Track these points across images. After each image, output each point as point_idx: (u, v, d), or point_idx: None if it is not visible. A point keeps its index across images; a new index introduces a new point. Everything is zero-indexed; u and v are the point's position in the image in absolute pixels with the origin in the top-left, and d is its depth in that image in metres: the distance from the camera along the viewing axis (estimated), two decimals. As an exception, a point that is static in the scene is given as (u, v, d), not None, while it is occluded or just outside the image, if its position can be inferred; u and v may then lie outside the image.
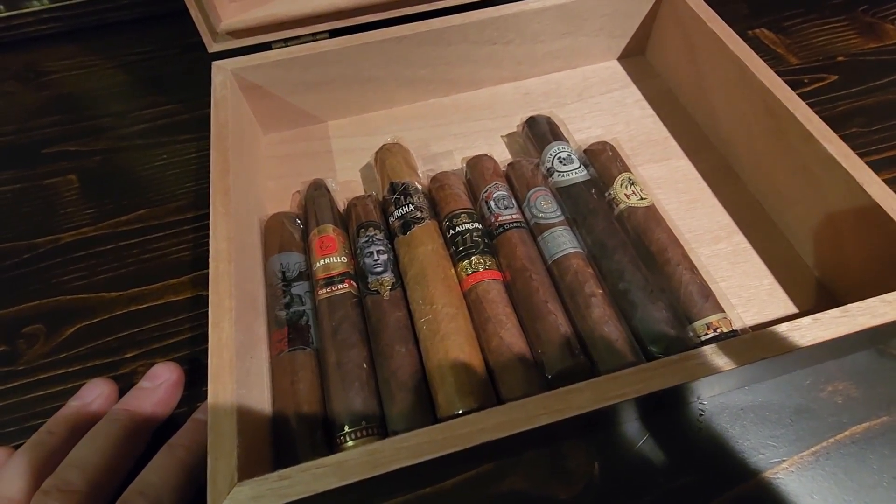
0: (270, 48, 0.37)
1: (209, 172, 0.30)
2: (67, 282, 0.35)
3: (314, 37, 0.37)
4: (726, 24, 0.36)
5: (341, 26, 0.37)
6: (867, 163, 0.36)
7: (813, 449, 0.27)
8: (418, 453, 0.20)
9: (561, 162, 0.34)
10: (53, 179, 0.40)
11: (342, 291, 0.29)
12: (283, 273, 0.30)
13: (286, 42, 0.37)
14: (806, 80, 0.42)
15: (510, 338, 0.27)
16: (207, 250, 0.27)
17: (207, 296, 0.33)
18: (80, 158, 0.42)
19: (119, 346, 0.32)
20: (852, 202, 0.28)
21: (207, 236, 0.35)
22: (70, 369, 0.31)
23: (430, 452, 0.20)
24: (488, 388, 0.26)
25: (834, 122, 0.39)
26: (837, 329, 0.23)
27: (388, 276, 0.30)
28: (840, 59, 0.44)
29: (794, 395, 0.28)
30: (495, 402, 0.26)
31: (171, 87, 0.46)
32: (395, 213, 0.32)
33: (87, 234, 0.37)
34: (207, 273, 0.34)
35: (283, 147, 0.40)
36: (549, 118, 0.37)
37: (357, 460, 0.20)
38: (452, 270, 0.30)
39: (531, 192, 0.33)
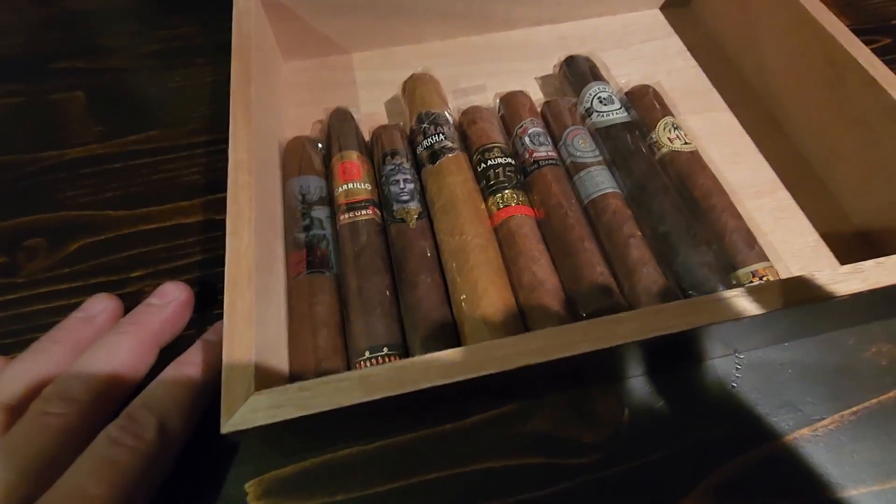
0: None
1: (226, 98, 0.28)
2: (72, 198, 0.33)
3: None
4: (786, -32, 0.33)
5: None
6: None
7: (854, 409, 0.25)
8: (449, 373, 0.19)
9: (601, 102, 0.32)
10: (60, 95, 0.38)
11: (365, 218, 0.28)
12: (303, 196, 0.29)
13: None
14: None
15: (543, 273, 0.26)
16: (221, 175, 0.25)
17: (218, 220, 0.32)
18: (89, 75, 0.39)
19: (125, 264, 0.30)
20: (917, 153, 0.26)
21: (221, 161, 0.34)
22: (73, 285, 0.30)
23: (463, 373, 0.19)
24: (518, 323, 0.25)
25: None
26: (880, 279, 0.21)
27: (414, 205, 0.28)
28: (894, 22, 0.41)
29: (835, 354, 0.27)
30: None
31: (187, 10, 0.44)
32: (424, 143, 0.30)
33: (94, 152, 0.35)
34: (220, 198, 0.32)
35: (304, 75, 0.38)
36: (588, 58, 0.35)
37: (383, 376, 0.19)
38: (483, 204, 0.29)
39: (568, 130, 0.31)
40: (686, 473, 0.24)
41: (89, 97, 0.38)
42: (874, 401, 0.26)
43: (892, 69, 0.39)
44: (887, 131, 0.27)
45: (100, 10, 0.45)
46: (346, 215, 0.28)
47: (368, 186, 0.29)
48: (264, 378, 0.20)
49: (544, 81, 0.37)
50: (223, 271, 0.29)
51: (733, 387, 0.26)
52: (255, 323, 0.21)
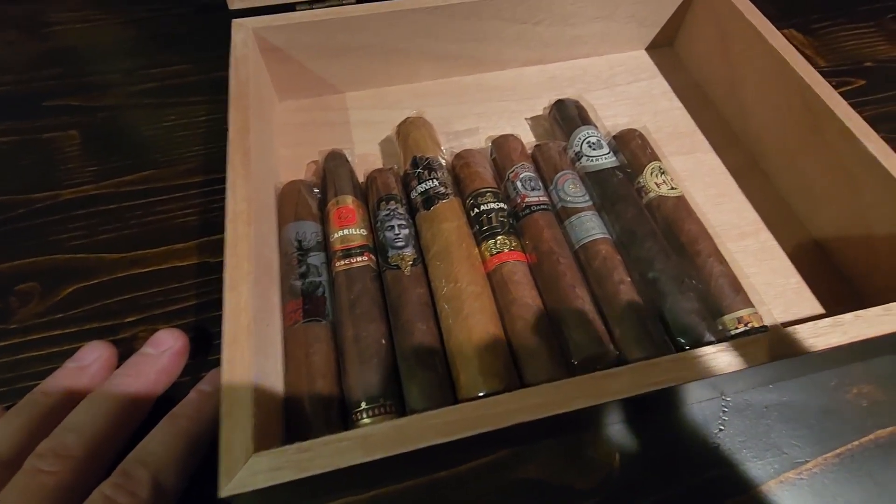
0: (294, 9, 0.35)
1: (220, 136, 0.28)
2: (66, 240, 0.33)
3: (341, 1, 0.35)
4: (763, 16, 0.35)
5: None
6: (894, 168, 0.36)
7: (838, 451, 0.26)
8: (448, 431, 0.19)
9: (590, 146, 0.33)
10: (54, 133, 0.38)
11: (361, 264, 0.28)
12: (300, 242, 0.29)
13: (311, 4, 0.35)
14: (833, 84, 0.41)
15: (535, 322, 0.26)
16: (216, 216, 0.25)
17: (213, 263, 0.32)
18: (83, 114, 0.39)
19: (119, 309, 0.30)
20: (891, 201, 0.27)
21: (215, 202, 0.35)
22: (66, 331, 0.29)
23: (461, 431, 0.19)
24: (512, 371, 0.25)
25: (862, 126, 0.38)
26: (881, 326, 0.22)
27: (409, 252, 0.29)
28: (868, 64, 0.43)
29: (819, 396, 0.28)
30: (519, 385, 0.25)
31: (182, 47, 0.44)
32: (418, 188, 0.31)
33: (87, 192, 0.35)
34: (214, 240, 0.33)
35: (299, 115, 0.39)
36: (577, 102, 0.36)
37: (383, 436, 0.19)
38: (476, 250, 0.29)
39: (559, 175, 0.32)
40: (677, 519, 0.24)
41: (83, 136, 0.38)
42: (856, 443, 0.26)
43: (866, 111, 0.40)
44: (864, 179, 0.29)
45: (92, 46, 0.45)
46: (342, 262, 0.28)
47: (364, 231, 0.29)
48: (263, 434, 0.20)
49: (535, 122, 0.38)
50: (219, 315, 0.29)
51: (720, 429, 0.27)
52: (254, 378, 0.21)
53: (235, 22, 0.34)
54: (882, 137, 0.38)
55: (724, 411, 0.27)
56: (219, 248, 0.32)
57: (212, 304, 0.30)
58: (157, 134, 0.39)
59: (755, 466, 0.26)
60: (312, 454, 0.19)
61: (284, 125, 0.38)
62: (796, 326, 0.22)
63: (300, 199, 0.31)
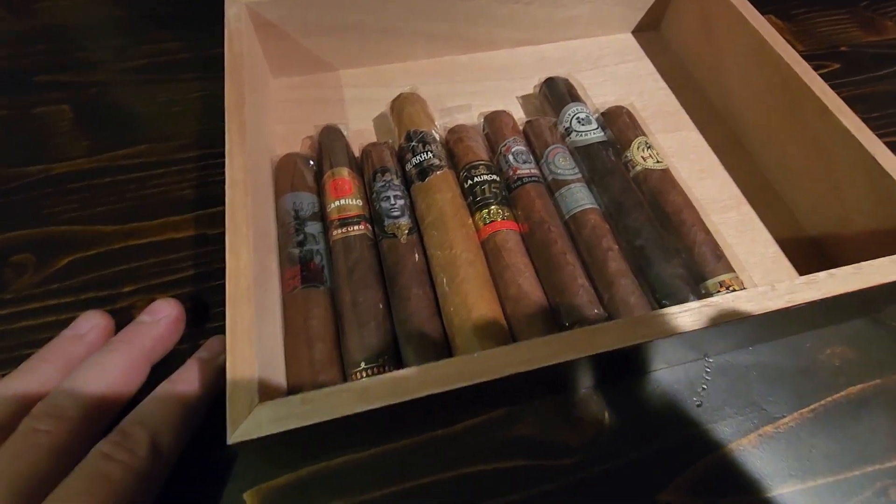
0: (288, -15, 0.35)
1: (214, 113, 0.29)
2: (60, 213, 0.33)
3: (334, -22, 0.36)
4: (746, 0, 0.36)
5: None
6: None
7: (812, 406, 0.28)
8: (444, 382, 0.20)
9: (579, 122, 0.34)
10: (45, 108, 0.38)
11: (358, 233, 0.29)
12: (296, 212, 0.29)
13: (305, -20, 0.35)
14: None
15: (528, 286, 0.27)
16: (212, 190, 0.26)
17: (211, 235, 0.32)
18: (75, 89, 0.39)
19: (116, 279, 0.30)
20: (864, 174, 0.29)
21: (211, 176, 0.35)
22: (62, 300, 0.30)
23: (456, 382, 0.20)
24: (505, 333, 0.26)
25: (837, 107, 0.40)
26: (851, 283, 0.23)
27: (405, 221, 0.29)
28: (843, 48, 0.45)
29: (795, 357, 0.29)
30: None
31: (173, 26, 0.44)
32: (413, 161, 0.32)
33: (81, 167, 0.35)
34: (211, 213, 0.33)
35: (293, 92, 0.39)
36: (567, 80, 0.37)
37: (382, 386, 0.20)
38: (470, 220, 0.30)
39: (549, 149, 0.33)
40: (662, 471, 0.26)
41: (75, 111, 0.38)
42: (829, 399, 0.28)
43: (841, 93, 0.42)
44: (838, 153, 0.30)
45: (82, 23, 0.45)
46: (339, 231, 0.29)
47: (360, 202, 0.30)
48: (266, 391, 0.21)
49: (525, 100, 0.39)
50: (215, 286, 0.30)
51: (704, 388, 0.28)
52: (255, 338, 0.21)
53: (229, -2, 0.34)
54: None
55: (707, 372, 0.29)
56: (216, 220, 0.32)
57: (209, 275, 0.31)
58: (151, 110, 0.39)
59: (736, 422, 0.27)
60: (314, 405, 0.20)
61: (279, 102, 0.38)
62: (775, 283, 0.23)
63: (296, 171, 0.31)
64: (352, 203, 0.30)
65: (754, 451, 0.26)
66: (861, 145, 0.28)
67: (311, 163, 0.32)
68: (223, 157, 0.26)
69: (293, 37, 0.37)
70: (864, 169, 0.29)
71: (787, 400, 0.28)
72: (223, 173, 0.26)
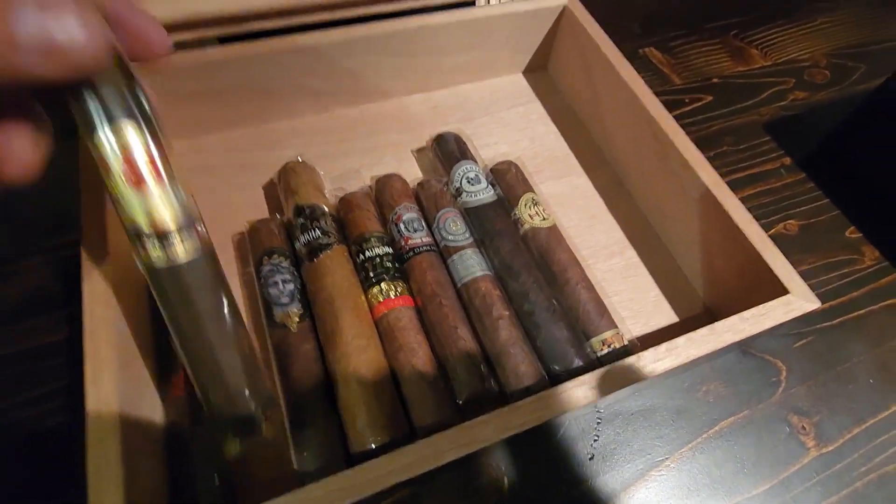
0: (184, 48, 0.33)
1: (75, 185, 0.27)
2: None
3: (201, 43, 0.34)
4: (618, 50, 0.38)
5: (231, 33, 0.34)
6: (735, 179, 0.41)
7: (690, 444, 0.30)
8: (328, 502, 0.20)
9: (469, 182, 0.34)
10: None
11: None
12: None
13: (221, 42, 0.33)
14: (686, 101, 0.46)
15: (422, 366, 0.28)
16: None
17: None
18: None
19: (-22, 398, 0.28)
20: (720, 225, 0.31)
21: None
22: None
23: (340, 500, 0.20)
24: (400, 418, 0.26)
25: (709, 141, 0.44)
26: (706, 346, 0.26)
27: (295, 308, 0.29)
28: (715, 80, 0.48)
29: (675, 397, 0.32)
30: (408, 430, 0.26)
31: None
32: (301, 239, 0.31)
33: (-72, 266, 0.32)
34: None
35: (174, 160, 0.37)
36: (457, 136, 0.38)
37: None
38: (363, 297, 0.30)
39: (440, 213, 0.33)
40: (559, 530, 0.27)
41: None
42: (704, 436, 0.31)
43: (714, 126, 0.45)
44: (701, 202, 0.32)
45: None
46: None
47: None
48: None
49: (420, 155, 0.39)
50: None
51: (595, 439, 0.30)
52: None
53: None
54: (726, 150, 0.43)
55: (598, 422, 0.30)
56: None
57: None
58: None
59: (625, 470, 0.29)
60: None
61: (158, 172, 0.36)
62: (640, 354, 0.25)
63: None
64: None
65: (641, 496, 0.28)
66: (718, 202, 0.31)
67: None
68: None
69: (164, 103, 0.35)
70: (719, 220, 0.31)
71: (668, 441, 0.30)
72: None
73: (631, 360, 0.25)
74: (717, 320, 0.27)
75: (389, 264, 0.31)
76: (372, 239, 0.31)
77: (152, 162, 0.18)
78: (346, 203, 0.33)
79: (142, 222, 0.19)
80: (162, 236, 0.19)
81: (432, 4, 0.38)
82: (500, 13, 0.39)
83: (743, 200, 0.40)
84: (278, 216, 0.33)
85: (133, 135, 0.18)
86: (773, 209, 0.40)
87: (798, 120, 0.46)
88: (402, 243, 0.32)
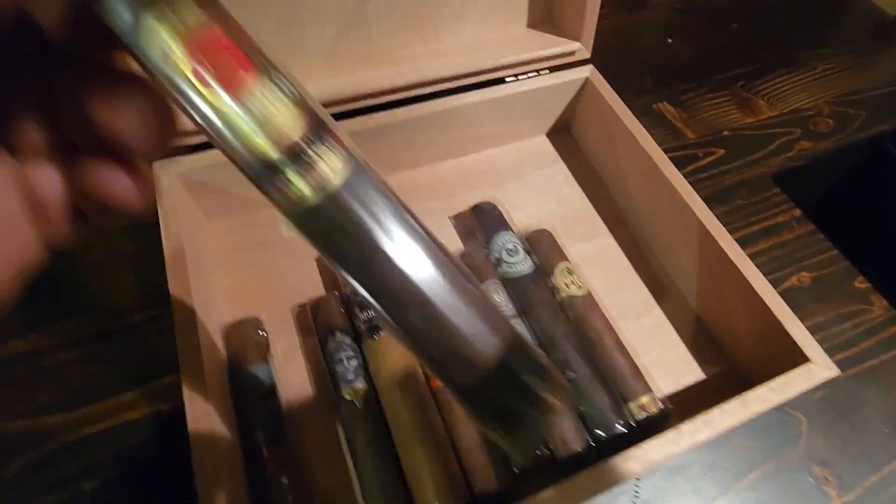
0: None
1: (154, 268, 0.30)
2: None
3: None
4: (637, 121, 0.41)
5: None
6: (749, 233, 0.44)
7: (723, 497, 0.33)
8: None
9: (508, 253, 0.37)
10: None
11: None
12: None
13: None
14: (700, 155, 0.49)
15: (479, 436, 0.30)
16: (162, 355, 0.27)
17: (168, 411, 0.33)
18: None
19: (75, 475, 0.31)
20: (741, 292, 0.34)
21: (159, 340, 0.35)
22: (21, 511, 0.29)
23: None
24: (462, 488, 0.29)
25: (722, 196, 0.46)
26: (738, 417, 0.28)
27: (360, 384, 0.32)
28: (725, 133, 0.51)
29: (706, 452, 0.34)
30: (469, 498, 0.29)
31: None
32: (361, 317, 0.34)
33: (16, 350, 0.34)
34: (166, 384, 0.34)
35: (229, 236, 0.40)
36: (493, 205, 0.40)
37: None
38: (420, 369, 0.33)
39: (484, 284, 0.36)
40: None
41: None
42: (735, 487, 0.33)
43: (727, 180, 0.48)
44: (720, 268, 0.35)
45: None
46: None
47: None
48: None
49: (458, 220, 0.42)
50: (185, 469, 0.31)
51: (636, 496, 0.33)
52: None
53: (159, 166, 0.35)
54: (739, 204, 0.46)
55: (637, 480, 0.33)
56: (170, 392, 0.33)
57: (174, 455, 0.31)
58: (81, 273, 0.38)
59: (664, 523, 0.32)
60: None
61: (218, 250, 0.39)
62: (680, 428, 0.28)
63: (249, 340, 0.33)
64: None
65: (680, 550, 0.31)
66: (738, 270, 0.34)
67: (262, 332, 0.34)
68: (167, 317, 0.28)
69: (226, 189, 0.38)
70: (739, 288, 0.34)
71: (703, 494, 0.33)
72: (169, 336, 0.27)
73: (672, 433, 0.28)
74: (741, 376, 0.29)
75: (441, 337, 0.34)
76: (423, 313, 0.34)
77: (238, 47, 0.12)
78: (396, 278, 0.36)
79: (265, 145, 0.12)
80: (294, 157, 0.13)
81: (465, 84, 0.41)
82: (529, 88, 0.42)
83: (758, 254, 0.43)
84: (336, 293, 0.36)
85: (195, 15, 0.12)
86: (786, 261, 0.43)
87: (805, 170, 0.49)
88: (451, 316, 0.35)
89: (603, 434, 0.31)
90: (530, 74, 0.43)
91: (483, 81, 0.41)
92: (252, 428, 0.30)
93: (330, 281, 0.38)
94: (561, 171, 0.46)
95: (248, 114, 0.12)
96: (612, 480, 0.26)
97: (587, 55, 0.43)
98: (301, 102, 0.13)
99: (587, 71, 0.44)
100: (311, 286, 0.38)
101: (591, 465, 0.28)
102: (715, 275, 0.36)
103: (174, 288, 0.30)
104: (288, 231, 0.14)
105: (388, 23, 0.39)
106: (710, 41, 0.60)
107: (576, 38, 0.42)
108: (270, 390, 0.31)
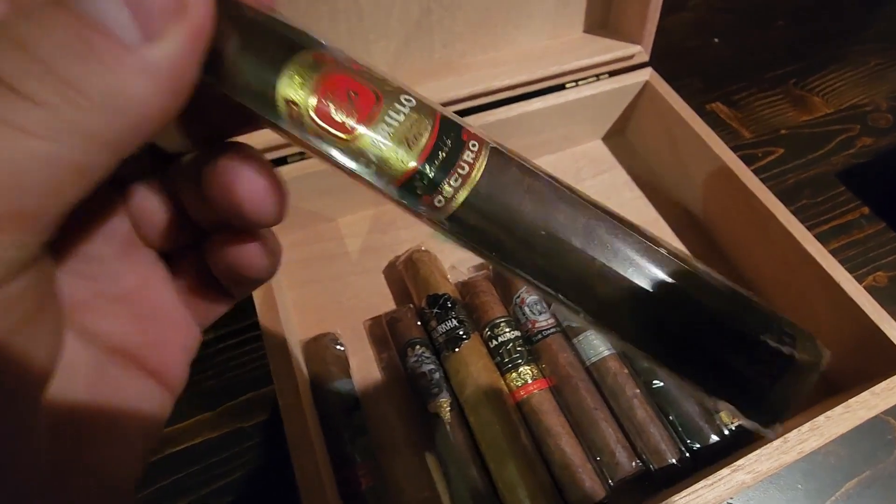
0: (286, 162, 0.36)
1: None
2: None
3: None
4: (702, 121, 0.40)
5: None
6: (818, 233, 0.43)
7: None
8: None
9: (580, 260, 0.37)
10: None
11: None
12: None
13: (302, 155, 0.36)
14: (759, 154, 0.49)
15: (570, 449, 0.30)
16: (238, 375, 0.27)
17: (247, 429, 0.33)
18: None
19: (160, 498, 0.30)
20: (829, 295, 0.33)
21: (233, 360, 0.35)
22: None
23: None
24: (557, 499, 0.29)
25: (788, 195, 0.46)
26: (844, 424, 0.27)
27: (444, 398, 0.31)
28: (783, 132, 0.50)
29: (800, 460, 0.33)
30: (564, 509, 0.28)
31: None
32: (439, 329, 0.33)
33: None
34: (241, 402, 0.33)
35: (295, 251, 0.40)
36: (559, 213, 0.40)
37: None
38: (502, 381, 0.32)
39: (558, 292, 0.36)
40: None
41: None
42: (833, 497, 0.32)
43: (789, 179, 0.47)
44: (803, 271, 0.34)
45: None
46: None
47: (397, 382, 0.32)
48: None
49: (520, 229, 0.42)
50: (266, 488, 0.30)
51: (729, 506, 0.32)
52: None
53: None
54: (805, 203, 0.45)
55: (728, 489, 0.32)
56: (248, 411, 0.33)
57: (259, 474, 0.31)
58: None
59: (761, 535, 0.31)
60: None
61: (285, 263, 0.39)
62: (787, 437, 0.27)
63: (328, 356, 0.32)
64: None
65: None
66: (827, 274, 0.33)
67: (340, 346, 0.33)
68: (241, 335, 0.27)
69: (292, 204, 0.38)
70: (827, 291, 0.33)
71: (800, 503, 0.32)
72: (244, 355, 0.27)
73: (778, 442, 0.27)
74: (831, 382, 0.28)
75: (521, 348, 0.33)
76: (502, 324, 0.34)
77: (360, 81, 0.12)
78: (470, 288, 0.36)
79: (405, 160, 0.13)
80: (432, 160, 0.13)
81: (527, 92, 0.41)
82: (589, 94, 0.42)
83: (832, 254, 0.42)
84: (411, 306, 0.35)
85: (310, 64, 0.12)
86: (860, 261, 0.42)
87: (869, 167, 0.48)
88: (530, 326, 0.34)
89: (698, 444, 0.30)
90: (590, 80, 0.42)
91: (544, 88, 0.41)
92: (342, 442, 0.29)
93: (399, 294, 0.38)
94: (620, 176, 0.46)
95: (384, 136, 0.12)
96: (721, 495, 0.25)
97: (646, 58, 0.43)
98: (423, 109, 0.13)
99: (647, 74, 0.43)
100: (381, 299, 0.38)
101: (686, 477, 0.28)
102: (799, 279, 0.35)
103: (261, 306, 0.30)
104: (444, 241, 0.15)
105: (450, 34, 0.39)
106: (755, 39, 0.59)
107: (636, 41, 0.42)
108: (355, 404, 0.31)
